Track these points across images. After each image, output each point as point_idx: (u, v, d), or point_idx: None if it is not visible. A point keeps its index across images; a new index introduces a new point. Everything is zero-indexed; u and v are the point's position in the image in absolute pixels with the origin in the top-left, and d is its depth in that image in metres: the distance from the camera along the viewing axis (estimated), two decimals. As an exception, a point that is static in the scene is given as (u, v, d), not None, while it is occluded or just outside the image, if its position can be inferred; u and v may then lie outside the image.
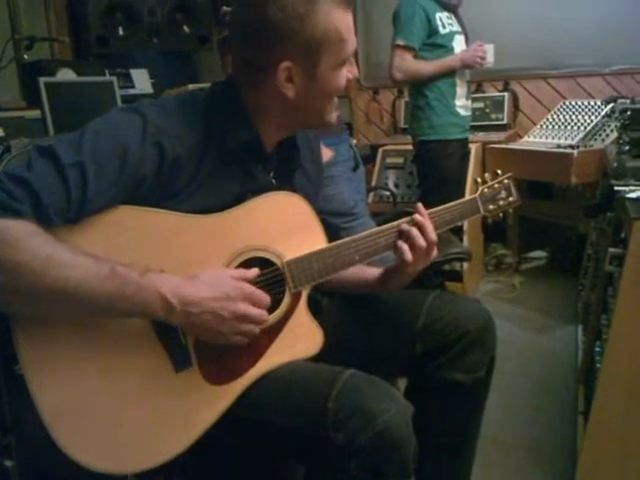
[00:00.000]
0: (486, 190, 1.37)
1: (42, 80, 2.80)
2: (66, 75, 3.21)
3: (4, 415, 1.08)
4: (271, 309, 1.12)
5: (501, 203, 1.38)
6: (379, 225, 1.26)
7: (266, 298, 1.06)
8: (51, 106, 2.80)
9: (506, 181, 1.40)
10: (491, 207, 1.37)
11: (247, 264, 1.10)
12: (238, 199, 1.12)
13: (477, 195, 1.36)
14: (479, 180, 1.38)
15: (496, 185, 1.38)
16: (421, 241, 1.21)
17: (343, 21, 1.09)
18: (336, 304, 1.39)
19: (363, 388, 1.05)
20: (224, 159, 1.11)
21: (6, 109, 3.03)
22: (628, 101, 2.73)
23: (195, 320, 0.99)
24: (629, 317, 1.61)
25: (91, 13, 3.66)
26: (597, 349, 1.84)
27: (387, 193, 3.46)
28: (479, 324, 1.28)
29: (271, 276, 1.13)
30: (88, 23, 3.68)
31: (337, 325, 1.31)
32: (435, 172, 2.88)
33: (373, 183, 3.51)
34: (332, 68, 1.10)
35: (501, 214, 1.40)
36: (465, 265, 3.17)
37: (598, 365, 1.70)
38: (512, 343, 2.73)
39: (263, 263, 1.13)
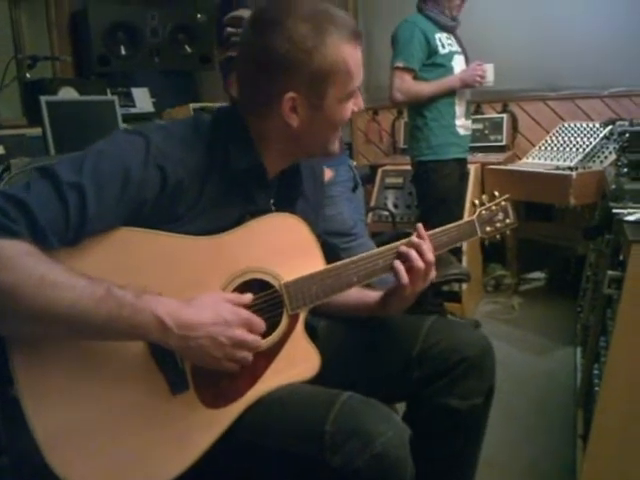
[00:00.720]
0: (484, 212, 1.38)
1: (43, 99, 2.82)
2: (68, 94, 3.24)
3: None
4: (269, 331, 1.11)
5: (498, 225, 1.39)
6: (378, 246, 1.26)
7: (261, 324, 1.06)
8: (52, 124, 2.81)
9: (503, 203, 1.41)
10: (488, 229, 1.38)
11: (245, 286, 1.10)
12: (238, 223, 1.12)
13: (475, 217, 1.36)
14: (477, 202, 1.39)
15: (493, 207, 1.39)
16: (419, 263, 1.21)
17: (351, 55, 1.09)
18: (334, 327, 1.38)
19: (360, 410, 1.05)
20: (226, 184, 1.11)
21: (7, 127, 3.05)
22: (626, 123, 2.76)
23: (192, 344, 0.98)
24: (628, 340, 1.60)
25: (93, 33, 3.71)
26: (596, 372, 1.82)
27: (386, 213, 3.47)
28: (477, 350, 1.27)
29: (269, 298, 1.13)
30: (90, 42, 3.73)
31: (335, 348, 1.30)
32: (433, 192, 2.88)
33: (372, 203, 3.53)
34: (338, 101, 1.10)
35: (498, 236, 1.40)
36: (464, 286, 3.17)
37: (597, 388, 1.69)
38: (510, 364, 2.71)
39: (261, 285, 1.12)
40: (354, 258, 1.20)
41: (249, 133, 1.13)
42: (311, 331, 1.23)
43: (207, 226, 1.07)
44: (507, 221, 1.40)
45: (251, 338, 1.03)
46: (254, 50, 1.08)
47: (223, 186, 1.10)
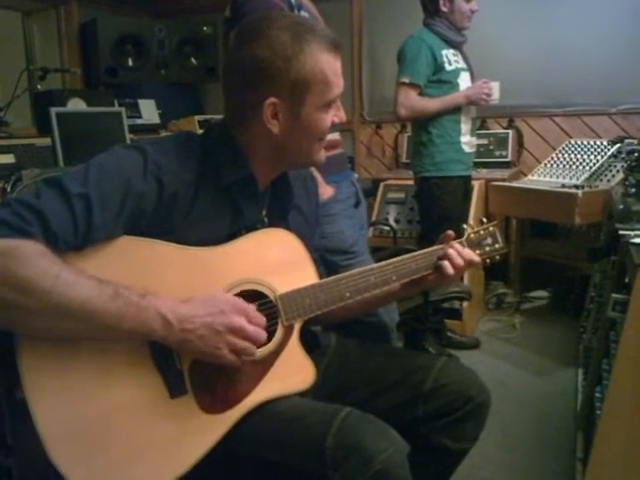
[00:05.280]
0: (472, 235, 1.42)
1: (53, 110, 2.84)
2: (76, 104, 3.28)
3: (5, 437, 1.09)
4: (264, 341, 1.13)
5: (487, 249, 1.44)
6: (377, 262, 1.30)
7: (262, 317, 1.09)
8: (61, 135, 2.84)
9: (491, 228, 1.45)
10: (478, 252, 1.42)
11: (241, 296, 1.13)
12: (229, 236, 1.16)
13: (464, 239, 1.41)
14: (465, 226, 1.44)
15: (482, 232, 1.44)
16: (459, 260, 1.33)
17: (330, 65, 1.14)
18: (347, 344, 1.44)
19: (360, 427, 1.08)
20: (216, 197, 1.16)
21: (18, 136, 3.09)
22: (635, 142, 2.74)
23: (191, 337, 1.02)
24: (631, 364, 1.59)
25: (102, 44, 3.76)
26: (597, 394, 1.81)
27: (387, 228, 3.45)
28: (480, 400, 1.31)
29: (264, 308, 1.16)
30: (99, 54, 3.77)
31: (345, 365, 1.37)
32: (436, 209, 2.86)
33: (374, 217, 3.51)
34: (316, 109, 1.15)
35: (488, 260, 1.44)
36: (465, 303, 3.14)
37: (598, 412, 1.67)
38: (510, 384, 2.70)
39: (256, 296, 1.16)
40: (346, 274, 1.25)
41: (237, 145, 1.18)
42: (311, 341, 1.28)
43: (200, 238, 1.12)
44: (496, 246, 1.45)
45: (251, 328, 1.06)
46: (238, 60, 1.14)
47: (213, 199, 1.15)
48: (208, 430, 1.09)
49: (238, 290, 1.13)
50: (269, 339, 1.15)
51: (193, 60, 4.12)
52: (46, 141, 2.92)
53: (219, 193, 1.16)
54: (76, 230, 0.98)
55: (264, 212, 1.25)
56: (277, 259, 1.20)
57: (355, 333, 1.53)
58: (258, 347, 1.10)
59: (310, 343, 1.26)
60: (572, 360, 2.84)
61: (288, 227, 1.26)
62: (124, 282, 1.00)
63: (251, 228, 1.20)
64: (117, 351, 1.02)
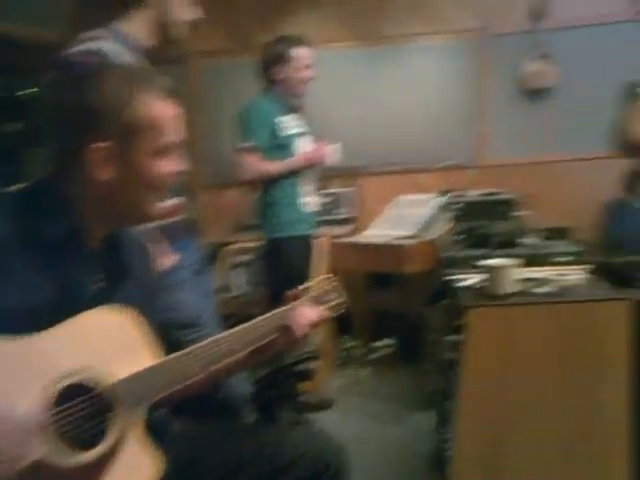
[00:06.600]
0: (315, 293, 1.42)
1: None
2: None
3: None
4: (97, 439, 1.01)
5: (330, 304, 1.45)
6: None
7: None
8: None
9: (333, 284, 1.47)
10: (322, 308, 1.41)
11: (71, 389, 1.00)
12: (55, 308, 1.03)
13: (307, 297, 1.40)
14: (308, 284, 1.42)
15: (324, 288, 1.45)
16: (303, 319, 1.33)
17: (163, 112, 1.12)
18: (191, 432, 1.37)
19: None
20: (38, 259, 1.04)
21: None
22: (459, 194, 2.99)
23: None
24: (472, 401, 1.66)
25: None
26: (450, 435, 1.87)
27: (231, 294, 3.42)
28: (339, 464, 1.31)
29: (96, 401, 1.03)
30: None
31: (193, 455, 1.30)
32: (283, 269, 2.89)
33: (217, 284, 3.45)
34: (147, 155, 1.11)
35: (333, 314, 1.45)
36: (314, 363, 3.14)
37: (449, 452, 1.72)
38: (368, 438, 2.71)
39: (87, 387, 1.02)
40: (192, 347, 1.18)
41: (63, 199, 1.10)
42: (157, 429, 1.15)
43: (15, 300, 1.00)
44: (339, 300, 1.46)
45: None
46: (63, 106, 1.10)
47: (33, 262, 1.04)
48: None
49: (67, 383, 0.99)
50: (102, 437, 1.02)
51: (10, 125, 3.87)
52: None
53: (41, 255, 1.04)
54: None
55: (96, 278, 1.14)
56: (114, 342, 1.08)
57: (202, 413, 1.44)
58: (89, 447, 0.98)
59: (156, 431, 1.14)
60: (424, 404, 2.92)
61: (124, 298, 1.15)
62: None
63: (81, 297, 1.08)
64: None
